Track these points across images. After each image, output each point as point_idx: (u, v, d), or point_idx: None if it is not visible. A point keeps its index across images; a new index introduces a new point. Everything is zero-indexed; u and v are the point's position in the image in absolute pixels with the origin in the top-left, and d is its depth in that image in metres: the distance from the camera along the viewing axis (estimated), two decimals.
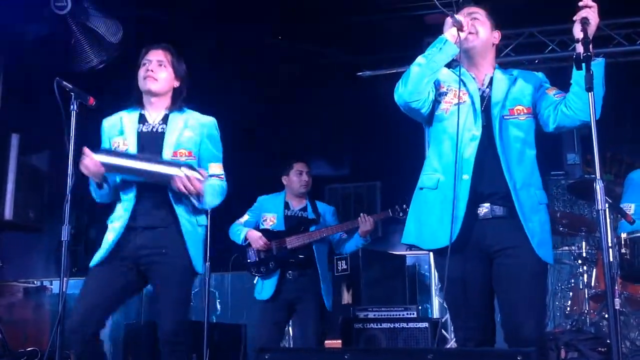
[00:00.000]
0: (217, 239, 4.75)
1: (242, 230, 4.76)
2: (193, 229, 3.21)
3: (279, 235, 4.71)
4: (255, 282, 4.76)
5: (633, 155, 4.90)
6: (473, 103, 2.93)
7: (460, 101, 2.92)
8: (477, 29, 2.95)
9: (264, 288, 4.65)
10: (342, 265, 5.96)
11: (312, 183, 4.94)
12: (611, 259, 2.45)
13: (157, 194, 3.18)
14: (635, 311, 4.78)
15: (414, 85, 2.87)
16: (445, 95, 2.98)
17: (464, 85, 2.95)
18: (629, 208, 4.32)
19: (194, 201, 3.15)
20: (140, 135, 3.25)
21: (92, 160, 3.08)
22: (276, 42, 7.34)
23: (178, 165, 3.10)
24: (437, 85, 3.00)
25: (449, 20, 2.90)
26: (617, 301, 4.00)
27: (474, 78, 3.00)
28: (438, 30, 2.96)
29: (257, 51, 7.21)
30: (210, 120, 3.36)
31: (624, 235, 3.90)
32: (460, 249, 2.80)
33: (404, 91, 2.89)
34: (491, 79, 3.00)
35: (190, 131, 3.27)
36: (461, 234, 2.80)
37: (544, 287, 2.91)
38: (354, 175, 8.68)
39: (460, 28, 2.86)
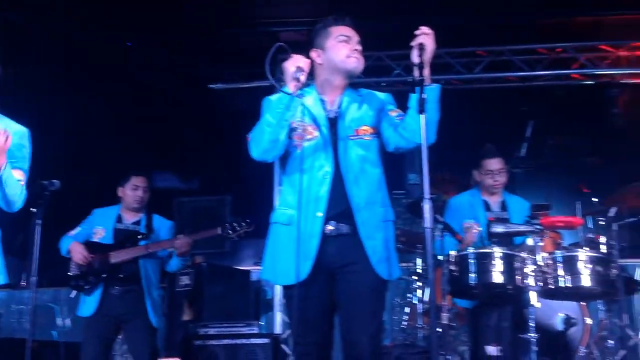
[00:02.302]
0: (53, 252, 4.51)
1: (67, 242, 4.54)
2: None
3: (104, 249, 4.52)
4: (71, 295, 4.54)
5: (468, 178, 5.19)
6: (322, 135, 2.96)
7: (310, 137, 2.95)
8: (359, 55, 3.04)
9: (86, 303, 4.46)
10: (184, 281, 5.82)
11: (160, 196, 4.79)
12: (431, 276, 2.55)
13: None
14: (464, 326, 5.03)
15: (269, 143, 2.89)
16: (295, 131, 2.97)
17: (312, 118, 2.98)
18: None
19: None
20: None
21: None
22: (126, 49, 7.10)
23: None
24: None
25: (289, 69, 2.86)
26: (446, 316, 4.23)
27: (323, 101, 3.04)
28: (294, 47, 2.95)
29: (107, 57, 6.93)
30: (19, 129, 3.20)
31: (453, 253, 4.09)
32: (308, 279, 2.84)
33: (260, 150, 2.91)
34: (341, 100, 3.05)
35: None
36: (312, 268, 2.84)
37: (382, 303, 2.95)
38: (204, 189, 8.55)
39: (302, 70, 2.85)
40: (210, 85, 7.48)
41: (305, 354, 2.90)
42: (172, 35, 6.90)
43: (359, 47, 3.05)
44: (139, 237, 4.56)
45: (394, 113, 3.06)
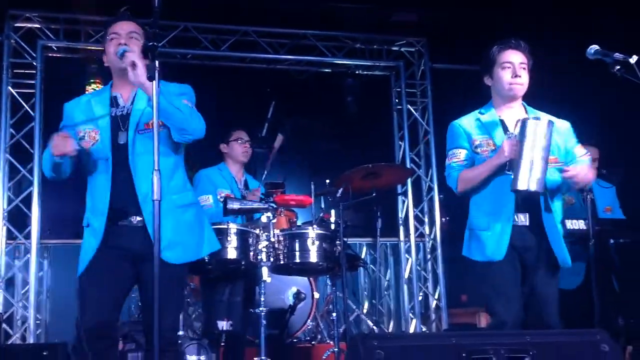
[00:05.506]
0: None
1: None
2: None
3: None
4: None
5: (205, 155, 5.22)
6: (103, 138, 3.05)
7: (93, 141, 3.05)
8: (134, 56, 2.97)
9: None
10: None
11: None
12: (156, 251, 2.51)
13: None
14: (199, 302, 5.04)
15: (62, 175, 3.13)
16: (83, 139, 3.08)
17: (94, 122, 3.06)
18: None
19: None
20: None
21: None
22: None
23: None
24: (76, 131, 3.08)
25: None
26: None
27: (116, 98, 3.11)
28: None
29: None
30: None
31: None
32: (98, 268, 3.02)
33: (51, 177, 3.14)
34: (136, 94, 3.09)
35: None
36: (95, 264, 3.01)
37: (174, 288, 3.09)
38: None
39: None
40: None
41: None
42: None
43: (128, 46, 2.99)
44: None
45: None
